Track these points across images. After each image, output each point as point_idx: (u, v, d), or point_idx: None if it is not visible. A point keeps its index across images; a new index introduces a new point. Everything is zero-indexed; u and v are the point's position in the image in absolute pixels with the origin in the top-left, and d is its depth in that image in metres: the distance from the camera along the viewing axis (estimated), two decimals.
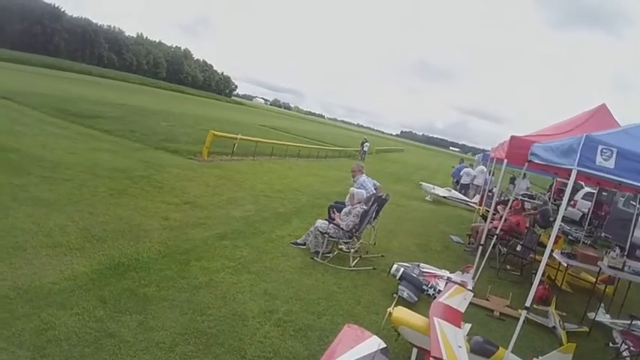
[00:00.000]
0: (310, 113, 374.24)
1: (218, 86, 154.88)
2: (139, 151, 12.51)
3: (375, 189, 7.84)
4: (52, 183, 7.42)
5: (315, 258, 6.43)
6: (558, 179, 16.07)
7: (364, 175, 8.00)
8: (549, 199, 16.86)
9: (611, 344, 5.45)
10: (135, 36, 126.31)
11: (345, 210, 7.02)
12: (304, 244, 6.83)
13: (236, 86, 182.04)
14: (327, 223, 6.68)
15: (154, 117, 24.19)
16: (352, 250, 6.74)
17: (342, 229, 6.61)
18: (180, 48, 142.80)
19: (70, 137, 12.36)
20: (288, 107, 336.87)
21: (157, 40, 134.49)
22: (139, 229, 6.14)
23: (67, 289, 4.12)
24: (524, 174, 10.55)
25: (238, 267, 5.54)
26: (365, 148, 31.95)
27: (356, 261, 6.65)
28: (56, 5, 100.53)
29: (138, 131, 16.14)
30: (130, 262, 5.00)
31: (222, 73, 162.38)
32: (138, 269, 4.87)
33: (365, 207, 6.81)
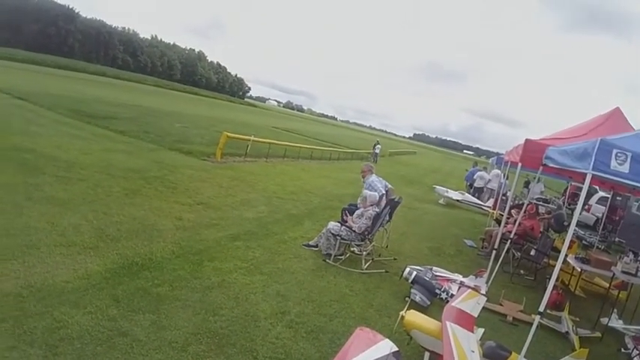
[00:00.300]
0: (323, 115, 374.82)
1: (231, 88, 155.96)
2: (153, 152, 12.63)
3: (385, 190, 7.77)
4: (66, 183, 7.49)
5: (327, 260, 6.42)
6: (573, 183, 15.88)
7: (374, 175, 7.94)
8: (563, 203, 16.65)
9: (623, 350, 5.40)
10: (149, 38, 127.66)
11: (357, 212, 7.00)
12: (316, 246, 6.82)
13: (249, 88, 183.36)
14: (339, 225, 6.67)
15: (168, 118, 24.44)
16: (364, 253, 6.71)
17: (354, 231, 6.60)
18: (194, 50, 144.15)
19: (85, 138, 12.49)
20: (300, 109, 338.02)
21: (172, 43, 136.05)
22: (153, 229, 6.19)
23: (81, 288, 4.15)
24: (539, 178, 10.43)
25: (251, 268, 5.56)
26: (377, 151, 31.77)
27: (368, 264, 6.62)
28: (70, 7, 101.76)
29: (152, 132, 16.30)
30: (143, 262, 5.04)
31: (236, 75, 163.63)
32: (151, 269, 4.90)
33: (377, 209, 6.78)
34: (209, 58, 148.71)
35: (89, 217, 6.06)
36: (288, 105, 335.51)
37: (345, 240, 6.60)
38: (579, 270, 6.82)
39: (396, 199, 7.49)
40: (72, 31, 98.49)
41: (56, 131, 12.58)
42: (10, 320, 3.40)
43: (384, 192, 7.50)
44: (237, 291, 4.80)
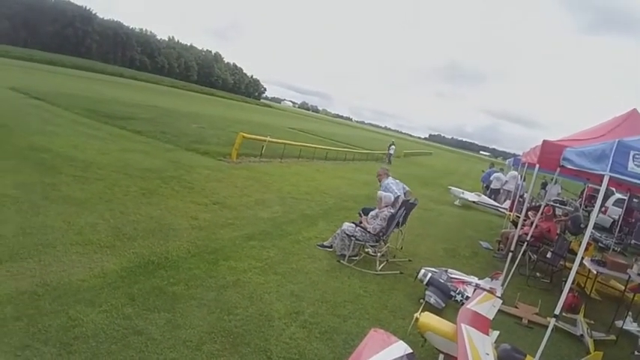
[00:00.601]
0: (338, 116, 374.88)
1: (247, 89, 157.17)
2: (169, 152, 12.76)
3: (404, 193, 7.72)
4: (83, 182, 7.59)
5: (341, 261, 6.41)
6: (589, 185, 15.63)
7: (390, 177, 7.88)
8: (580, 205, 16.38)
9: (637, 352, 5.33)
10: (167, 39, 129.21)
11: (372, 213, 6.98)
12: (331, 247, 6.82)
13: (265, 89, 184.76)
14: (353, 225, 6.65)
15: (185, 119, 24.68)
16: (379, 254, 6.67)
17: (368, 232, 6.57)
18: (210, 52, 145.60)
19: (102, 138, 12.67)
20: (316, 110, 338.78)
21: (189, 44, 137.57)
22: (169, 228, 6.25)
23: (96, 287, 4.19)
24: (556, 179, 10.30)
25: (265, 267, 5.58)
26: (391, 151, 31.41)
27: (382, 265, 6.60)
28: (87, 8, 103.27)
29: (169, 132, 16.48)
30: (159, 261, 5.09)
31: (252, 76, 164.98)
32: (167, 268, 4.95)
33: (392, 210, 6.75)
34: (225, 60, 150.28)
35: (106, 216, 6.14)
36: (303, 106, 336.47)
37: (360, 241, 6.58)
38: (595, 272, 6.73)
39: (411, 201, 7.45)
40: (89, 32, 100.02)
41: (73, 131, 12.78)
42: (24, 318, 3.45)
43: (399, 194, 7.45)
44: (252, 290, 4.82)
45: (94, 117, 16.61)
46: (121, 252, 5.11)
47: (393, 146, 31.95)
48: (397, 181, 7.95)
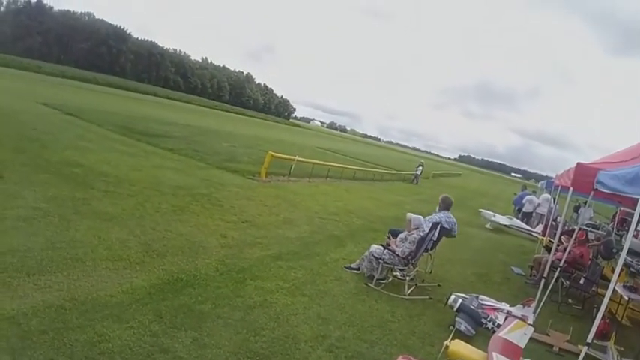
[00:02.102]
0: (366, 136, 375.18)
1: (277, 109, 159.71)
2: (201, 170, 12.95)
3: (450, 229, 7.24)
4: (115, 198, 7.70)
5: (369, 284, 6.31)
6: (622, 208, 15.06)
7: (443, 211, 7.28)
8: (612, 229, 15.77)
9: None
10: (200, 60, 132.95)
11: (401, 236, 6.88)
12: (358, 269, 6.74)
13: (294, 109, 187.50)
14: (382, 248, 6.56)
15: (217, 138, 25.09)
16: (407, 278, 6.53)
17: (397, 255, 6.47)
18: (242, 72, 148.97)
19: (135, 155, 12.93)
20: (344, 130, 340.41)
21: (222, 65, 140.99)
22: (199, 245, 6.30)
23: (124, 303, 4.20)
24: (588, 203, 10.01)
25: (292, 288, 5.54)
26: (418, 172, 30.79)
27: (411, 289, 6.46)
28: (122, 27, 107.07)
29: (201, 151, 16.73)
30: (188, 278, 5.11)
31: (282, 97, 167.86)
32: (195, 285, 4.97)
33: (422, 233, 6.62)
34: (257, 80, 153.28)
35: (137, 232, 6.22)
36: (332, 125, 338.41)
37: (388, 264, 6.47)
38: (627, 298, 6.50)
39: (447, 227, 7.12)
40: (124, 51, 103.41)
41: (106, 147, 13.04)
42: (50, 332, 3.46)
43: (437, 221, 7.02)
44: (279, 311, 4.79)
45: (128, 134, 16.96)
46: (150, 268, 5.15)
47: (420, 167, 31.47)
48: (448, 214, 7.33)
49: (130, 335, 3.68)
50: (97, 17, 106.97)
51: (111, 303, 4.14)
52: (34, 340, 3.32)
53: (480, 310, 5.59)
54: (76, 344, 3.39)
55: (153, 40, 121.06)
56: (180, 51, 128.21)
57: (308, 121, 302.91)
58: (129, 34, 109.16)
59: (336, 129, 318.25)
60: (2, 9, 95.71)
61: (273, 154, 14.65)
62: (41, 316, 3.66)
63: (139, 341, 3.63)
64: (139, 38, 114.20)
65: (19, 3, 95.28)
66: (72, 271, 4.60)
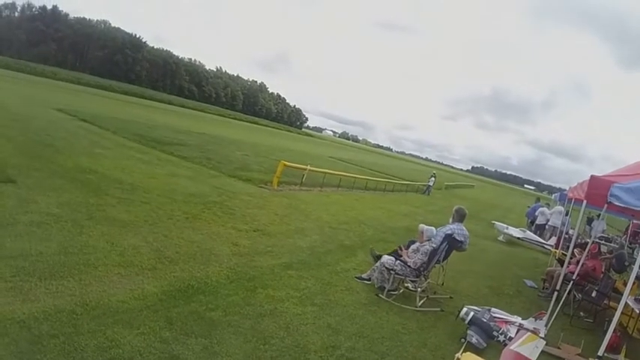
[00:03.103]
0: (378, 146, 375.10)
1: (290, 118, 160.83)
2: (213, 178, 13.02)
3: (462, 242, 7.03)
4: (129, 204, 7.76)
5: (380, 295, 6.27)
6: (634, 221, 14.82)
7: (457, 223, 7.10)
8: (625, 241, 15.52)
9: None
10: (214, 70, 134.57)
11: (412, 247, 6.83)
12: (369, 280, 6.70)
13: (307, 118, 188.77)
14: (393, 259, 6.52)
15: (230, 146, 25.27)
16: (419, 290, 6.48)
17: (409, 266, 6.43)
18: (256, 82, 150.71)
19: (149, 162, 13.05)
20: (356, 139, 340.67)
21: (235, 74, 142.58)
22: (210, 253, 6.33)
23: (136, 309, 4.22)
24: (601, 215, 9.89)
25: (303, 298, 5.53)
26: (430, 183, 30.55)
27: (422, 301, 6.40)
28: (137, 36, 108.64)
29: (214, 159, 16.85)
30: (199, 286, 5.13)
31: (295, 106, 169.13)
32: (206, 293, 4.98)
33: (434, 245, 6.57)
34: (270, 90, 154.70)
35: (149, 239, 6.25)
36: (344, 135, 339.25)
37: (400, 275, 6.43)
38: (638, 312, 6.48)
39: (459, 240, 6.90)
40: (139, 59, 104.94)
41: (121, 154, 13.18)
42: (61, 337, 3.47)
43: (449, 233, 6.86)
44: (289, 321, 4.77)
45: (142, 141, 17.12)
46: (162, 275, 5.17)
47: (433, 178, 31.27)
48: (461, 225, 7.15)
49: (141, 341, 3.69)
50: (112, 25, 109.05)
51: (122, 309, 4.16)
52: (44, 345, 3.34)
53: (491, 323, 5.53)
54: (86, 349, 3.41)
55: (168, 49, 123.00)
56: (195, 60, 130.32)
57: (320, 130, 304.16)
58: (145, 42, 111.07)
59: (348, 138, 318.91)
60: (17, 14, 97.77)
61: (285, 163, 14.71)
62: (52, 320, 3.68)
63: (150, 347, 3.64)
64: (155, 47, 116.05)
65: (33, 9, 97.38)
66: (84, 277, 4.62)
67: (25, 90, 31.30)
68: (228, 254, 6.49)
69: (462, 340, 5.24)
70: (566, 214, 13.34)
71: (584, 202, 6.35)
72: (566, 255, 7.60)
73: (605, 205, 5.74)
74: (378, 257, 6.96)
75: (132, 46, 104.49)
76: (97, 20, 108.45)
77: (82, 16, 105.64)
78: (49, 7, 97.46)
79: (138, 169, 11.37)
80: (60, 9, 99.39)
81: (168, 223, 7.27)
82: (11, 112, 16.86)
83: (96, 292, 4.36)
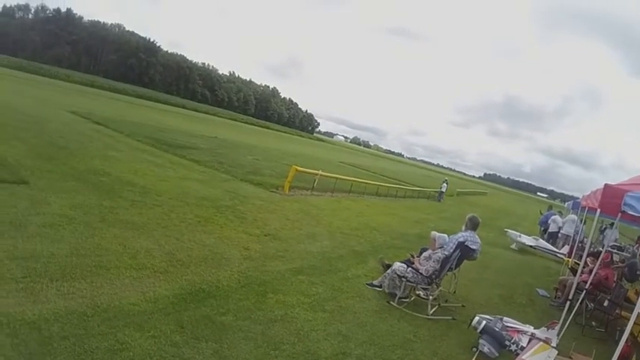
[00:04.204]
0: (389, 151, 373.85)
1: (301, 123, 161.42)
2: (225, 182, 13.07)
3: (475, 250, 6.90)
4: (142, 207, 7.80)
5: (391, 302, 6.23)
6: None
7: (470, 230, 6.94)
8: (637, 250, 15.27)
9: None
10: (227, 74, 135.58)
11: (425, 254, 6.78)
12: (380, 286, 6.66)
13: (318, 123, 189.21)
14: (405, 266, 6.47)
15: (242, 150, 25.37)
16: (431, 298, 6.42)
17: (421, 273, 6.38)
18: (268, 87, 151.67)
19: (162, 165, 13.09)
20: (367, 145, 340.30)
21: (248, 79, 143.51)
22: (221, 257, 6.34)
23: (147, 312, 4.23)
24: (615, 224, 9.76)
25: (313, 304, 5.51)
26: (442, 189, 30.30)
27: (434, 309, 6.34)
28: (152, 40, 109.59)
29: (226, 163, 16.89)
30: (210, 290, 5.14)
31: (306, 111, 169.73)
32: (217, 297, 4.99)
33: (447, 252, 6.51)
34: (282, 95, 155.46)
35: (161, 242, 6.28)
36: (355, 140, 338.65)
37: (411, 282, 6.38)
38: None
39: (472, 247, 6.78)
40: (153, 63, 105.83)
41: (134, 157, 13.25)
42: (71, 338, 3.49)
43: (474, 248, 6.80)
44: (299, 327, 4.76)
45: (156, 145, 17.19)
46: (173, 278, 5.19)
47: (445, 184, 31.02)
48: (473, 233, 6.96)
49: (152, 344, 3.70)
50: (127, 29, 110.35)
51: (133, 311, 4.17)
52: (54, 346, 3.35)
53: (503, 332, 5.46)
54: (96, 352, 3.41)
55: (182, 54, 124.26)
56: (208, 65, 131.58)
57: (331, 135, 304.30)
58: (158, 46, 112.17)
59: (359, 144, 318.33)
60: (30, 16, 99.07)
61: (297, 167, 14.72)
62: (62, 322, 3.70)
63: (160, 351, 3.64)
64: (169, 51, 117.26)
65: (47, 11, 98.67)
66: (95, 279, 4.64)
67: (38, 92, 31.68)
68: (239, 258, 6.49)
69: (474, 349, 5.19)
70: (582, 223, 13.17)
71: (598, 210, 6.27)
72: (578, 264, 7.50)
73: (619, 214, 5.68)
74: (388, 266, 6.94)
75: (146, 50, 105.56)
76: (111, 24, 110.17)
77: (96, 20, 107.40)
78: (63, 9, 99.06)
79: (150, 172, 11.43)
80: (74, 12, 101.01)
81: (181, 227, 7.30)
82: (25, 114, 17.01)
83: (107, 294, 4.38)
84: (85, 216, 6.55)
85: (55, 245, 5.23)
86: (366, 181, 22.32)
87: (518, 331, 5.77)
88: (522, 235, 15.60)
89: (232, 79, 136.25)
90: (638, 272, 10.09)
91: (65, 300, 4.06)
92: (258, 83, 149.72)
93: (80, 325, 3.72)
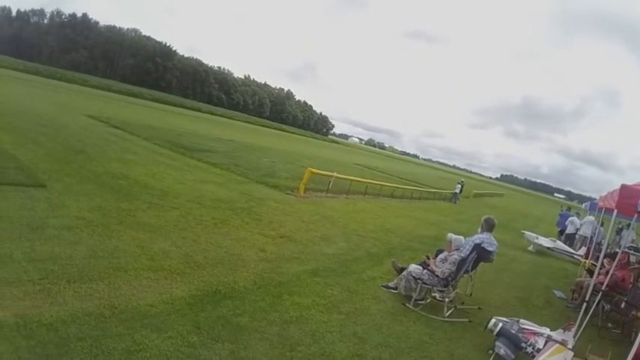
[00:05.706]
0: (404, 153, 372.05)
1: (316, 125, 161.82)
2: (241, 184, 13.17)
3: (491, 252, 6.76)
4: (159, 210, 7.89)
5: (406, 304, 6.21)
6: None
7: (486, 232, 6.78)
8: None
9: None
10: (243, 77, 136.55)
11: (440, 256, 6.75)
12: (395, 289, 6.64)
13: (333, 125, 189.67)
14: (420, 268, 6.45)
15: (257, 153, 25.52)
16: (447, 300, 6.37)
17: (437, 276, 6.35)
18: (283, 89, 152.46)
19: (179, 168, 13.25)
20: (382, 147, 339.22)
21: (263, 82, 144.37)
22: (238, 258, 6.39)
23: (164, 313, 4.26)
24: (631, 225, 9.58)
25: (329, 305, 5.52)
26: (457, 190, 30.07)
27: (450, 311, 6.30)
28: (168, 44, 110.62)
29: (242, 165, 17.03)
30: (226, 291, 5.18)
31: (321, 113, 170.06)
32: (233, 298, 5.02)
33: (463, 254, 6.46)
34: (297, 97, 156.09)
35: (178, 244, 6.34)
36: (370, 142, 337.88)
37: (427, 284, 6.35)
38: None
39: (488, 249, 6.63)
40: (170, 67, 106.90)
41: (151, 160, 13.40)
42: (88, 339, 3.50)
43: (491, 250, 6.67)
44: (315, 328, 4.78)
45: (173, 148, 17.39)
46: (190, 279, 5.23)
47: (460, 185, 30.69)
48: (489, 235, 6.82)
49: (168, 345, 3.72)
50: (143, 34, 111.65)
51: (150, 313, 4.20)
52: (71, 347, 3.37)
53: (520, 335, 5.42)
54: (113, 352, 3.44)
55: (198, 58, 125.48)
56: (224, 68, 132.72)
57: (346, 137, 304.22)
58: (175, 51, 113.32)
59: (374, 146, 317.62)
60: (45, 21, 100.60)
61: (312, 170, 14.75)
62: (80, 323, 3.72)
63: (177, 352, 3.67)
64: (185, 56, 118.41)
65: (63, 16, 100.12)
66: (113, 280, 4.68)
67: (56, 96, 32.25)
68: (255, 260, 6.53)
69: (490, 351, 5.15)
70: (599, 224, 12.96)
71: (615, 211, 6.18)
72: (595, 265, 7.40)
73: (636, 215, 5.61)
74: (402, 269, 6.93)
75: (162, 54, 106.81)
76: (128, 29, 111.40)
77: (112, 24, 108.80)
78: (79, 14, 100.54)
79: (168, 175, 11.56)
80: (90, 17, 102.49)
81: (197, 229, 7.37)
82: (43, 118, 17.31)
83: (125, 295, 4.42)
84: (103, 218, 6.64)
85: (72, 247, 5.28)
86: (381, 182, 22.25)
87: (535, 333, 5.71)
88: (540, 236, 15.42)
89: (247, 82, 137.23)
90: None
91: (82, 301, 4.09)
92: (273, 86, 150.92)
93: (97, 326, 3.74)
